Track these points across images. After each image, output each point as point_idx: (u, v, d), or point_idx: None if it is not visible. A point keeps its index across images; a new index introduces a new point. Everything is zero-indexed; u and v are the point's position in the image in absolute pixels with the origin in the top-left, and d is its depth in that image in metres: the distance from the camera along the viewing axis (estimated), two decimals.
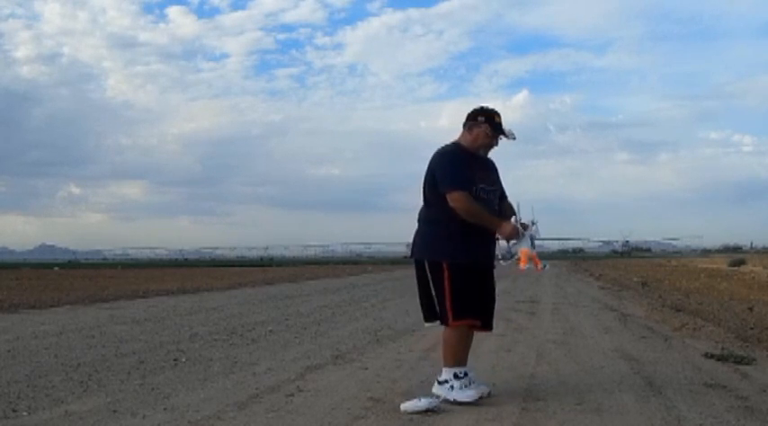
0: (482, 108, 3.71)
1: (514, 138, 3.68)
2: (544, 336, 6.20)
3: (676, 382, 4.05)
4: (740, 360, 4.74)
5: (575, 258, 67.65)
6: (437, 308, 3.58)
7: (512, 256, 3.64)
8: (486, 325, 3.69)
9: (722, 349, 5.24)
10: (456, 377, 3.55)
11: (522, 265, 3.57)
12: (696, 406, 3.44)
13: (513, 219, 3.66)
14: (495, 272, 3.73)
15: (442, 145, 3.73)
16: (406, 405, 3.38)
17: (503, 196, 3.80)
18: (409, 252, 3.80)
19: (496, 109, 3.70)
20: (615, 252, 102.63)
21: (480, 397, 3.53)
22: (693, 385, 3.98)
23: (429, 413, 3.31)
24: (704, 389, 3.86)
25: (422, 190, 3.70)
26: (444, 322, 3.57)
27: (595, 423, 3.15)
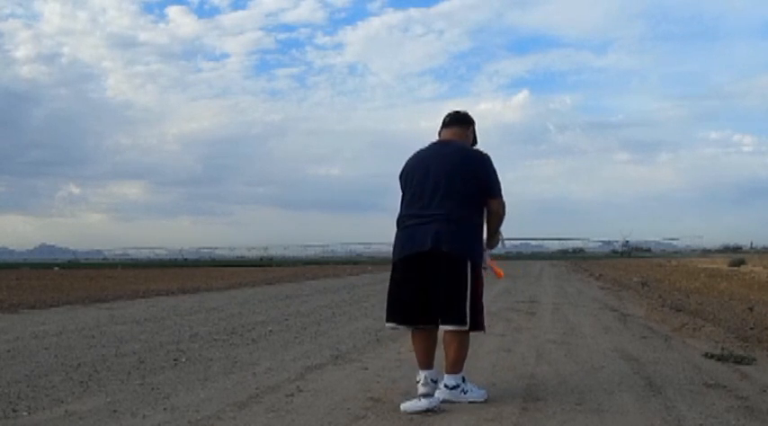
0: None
1: None
2: (544, 336, 6.20)
3: (676, 382, 4.05)
4: (740, 360, 4.74)
5: (575, 258, 67.59)
6: (467, 312, 3.48)
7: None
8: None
9: (722, 349, 5.24)
10: (464, 380, 3.58)
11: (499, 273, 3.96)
12: (696, 406, 3.44)
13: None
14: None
15: (475, 148, 3.77)
16: (406, 405, 3.38)
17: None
18: (427, 245, 3.47)
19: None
20: (615, 252, 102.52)
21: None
22: (693, 385, 3.98)
23: (429, 413, 3.31)
24: (704, 389, 3.87)
25: (450, 185, 3.54)
26: (480, 327, 3.59)
27: (595, 423, 3.15)
